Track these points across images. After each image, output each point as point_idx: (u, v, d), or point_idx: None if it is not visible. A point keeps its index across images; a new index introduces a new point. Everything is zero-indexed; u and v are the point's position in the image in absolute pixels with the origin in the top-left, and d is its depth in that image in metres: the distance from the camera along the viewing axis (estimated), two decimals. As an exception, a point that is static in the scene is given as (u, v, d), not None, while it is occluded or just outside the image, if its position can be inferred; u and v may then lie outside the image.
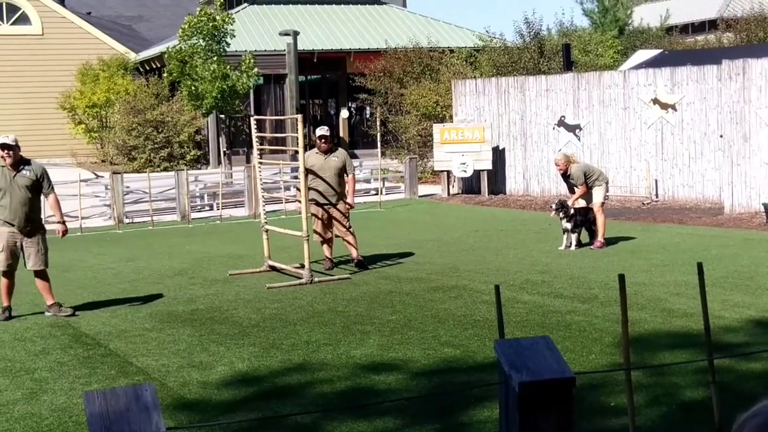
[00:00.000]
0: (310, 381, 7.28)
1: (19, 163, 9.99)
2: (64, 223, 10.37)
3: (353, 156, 32.57)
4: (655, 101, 20.26)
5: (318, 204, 12.43)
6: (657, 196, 20.17)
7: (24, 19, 37.77)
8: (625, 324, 4.70)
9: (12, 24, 37.63)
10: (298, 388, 7.12)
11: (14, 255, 10.01)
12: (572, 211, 13.67)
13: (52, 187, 10.25)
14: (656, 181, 20.28)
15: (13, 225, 9.92)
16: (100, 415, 3.07)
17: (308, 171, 12.31)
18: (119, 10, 51.70)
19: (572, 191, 14.03)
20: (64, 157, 36.69)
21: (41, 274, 10.12)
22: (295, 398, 6.88)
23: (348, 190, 12.50)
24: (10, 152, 9.89)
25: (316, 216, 12.48)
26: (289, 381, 7.31)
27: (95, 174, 29.70)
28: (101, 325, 9.56)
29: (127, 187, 21.24)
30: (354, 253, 12.52)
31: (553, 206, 13.96)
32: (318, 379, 7.32)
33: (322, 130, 12.51)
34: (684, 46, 35.42)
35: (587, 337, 8.24)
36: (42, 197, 10.29)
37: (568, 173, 13.88)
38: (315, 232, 12.52)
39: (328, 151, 12.42)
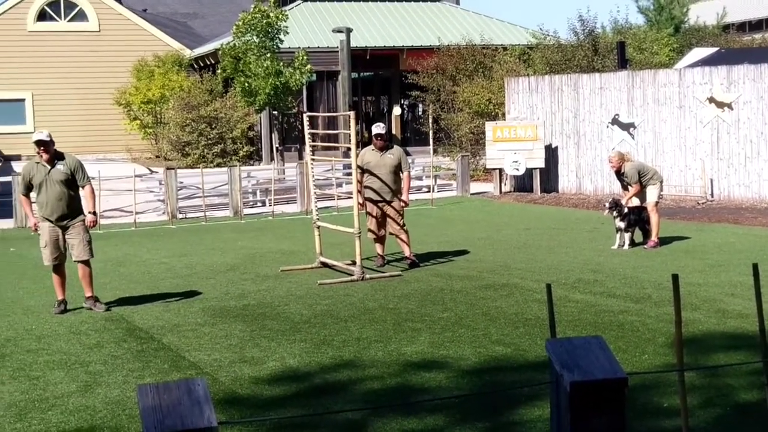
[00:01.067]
0: (361, 377, 7.29)
1: (54, 157, 10.12)
2: (95, 213, 10.38)
3: (406, 153, 32.58)
4: (711, 100, 19.97)
5: (372, 201, 12.43)
6: (712, 196, 19.89)
7: (81, 16, 38.34)
8: (679, 324, 4.63)
9: (69, 21, 38.21)
10: (349, 385, 7.14)
11: (58, 248, 10.16)
12: (626, 209, 13.53)
13: (88, 179, 10.32)
14: (711, 180, 20.00)
15: (51, 220, 10.08)
16: (153, 408, 3.10)
17: (363, 169, 12.32)
18: (175, 7, 52.26)
19: (626, 189, 13.89)
20: (119, 153, 37.22)
21: (84, 265, 10.24)
22: (345, 394, 6.90)
23: (403, 187, 12.47)
24: (45, 148, 10.03)
25: (371, 214, 12.47)
26: (340, 377, 7.33)
27: (150, 169, 30.06)
28: (154, 319, 9.67)
29: (181, 182, 21.46)
30: (406, 252, 12.50)
31: (607, 205, 13.83)
32: (368, 375, 7.34)
33: (378, 128, 12.46)
34: (741, 45, 34.89)
35: (640, 337, 8.16)
36: (80, 190, 10.34)
37: (622, 171, 13.75)
38: (369, 229, 12.52)
39: (383, 149, 12.41)
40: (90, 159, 36.10)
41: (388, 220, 12.43)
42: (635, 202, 13.67)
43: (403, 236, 12.44)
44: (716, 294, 9.98)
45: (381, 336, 8.55)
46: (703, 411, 6.21)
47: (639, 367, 7.22)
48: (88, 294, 10.31)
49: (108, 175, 21.38)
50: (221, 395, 6.92)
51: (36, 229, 10.22)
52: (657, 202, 13.77)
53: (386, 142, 12.55)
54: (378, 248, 12.70)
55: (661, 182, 14.03)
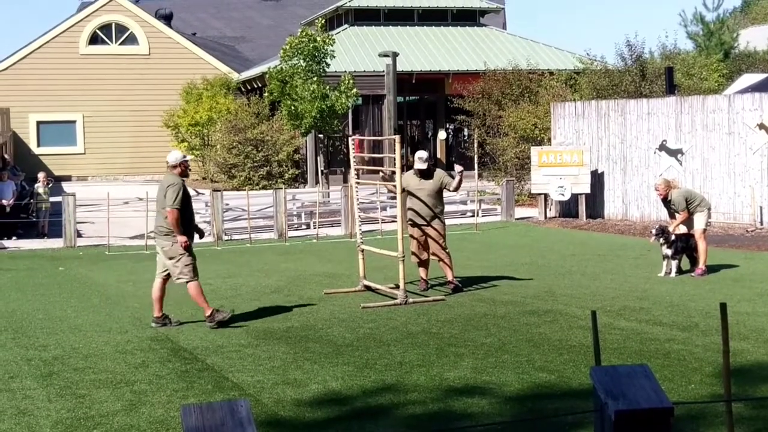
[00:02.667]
0: (403, 402, 7.27)
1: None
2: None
3: (450, 177, 32.52)
4: (761, 126, 19.75)
5: (414, 224, 12.45)
6: (762, 224, 19.62)
7: (132, 40, 38.95)
8: (727, 354, 4.57)
9: (120, 44, 38.84)
10: (391, 409, 7.12)
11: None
12: (673, 237, 13.39)
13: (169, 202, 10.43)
14: (761, 208, 19.73)
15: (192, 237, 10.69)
16: (196, 428, 3.13)
17: (405, 191, 12.37)
18: (223, 31, 52.94)
19: (673, 217, 13.75)
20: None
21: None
22: (387, 419, 6.88)
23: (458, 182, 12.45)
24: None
25: (413, 236, 12.49)
26: (382, 401, 7.32)
27: (196, 191, 30.31)
28: (199, 340, 9.74)
29: (227, 204, 21.63)
30: (449, 276, 12.46)
31: (654, 231, 13.70)
32: (410, 400, 7.31)
33: (420, 159, 12.54)
34: (792, 70, 34.45)
35: (686, 367, 8.05)
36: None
37: (669, 198, 13.62)
38: (412, 252, 12.52)
39: (424, 175, 12.44)
40: (138, 180, 36.59)
41: (430, 241, 12.43)
42: (682, 229, 13.52)
43: (446, 259, 12.41)
44: (765, 323, 9.82)
45: (423, 360, 8.53)
46: (750, 442, 6.11)
47: (685, 396, 7.12)
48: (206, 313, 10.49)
49: (155, 196, 21.60)
50: (264, 417, 6.93)
51: (187, 246, 10.41)
52: (705, 230, 13.61)
53: (427, 168, 12.49)
54: (421, 272, 12.68)
55: (709, 209, 13.87)
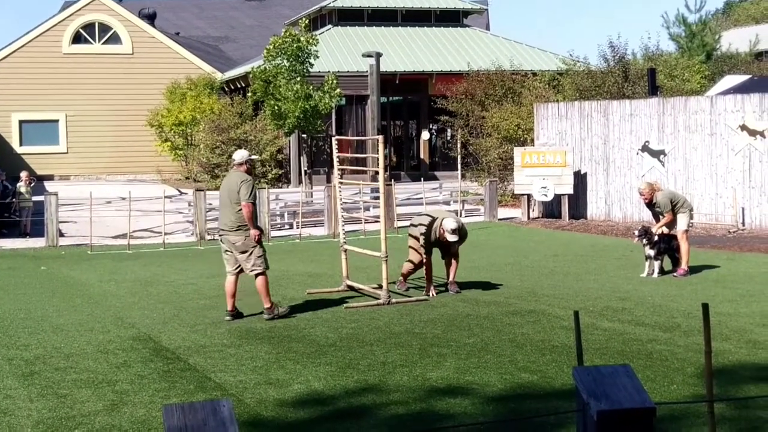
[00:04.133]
0: (385, 402, 7.27)
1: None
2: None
3: (433, 178, 32.59)
4: (743, 128, 19.85)
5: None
6: (743, 225, 19.72)
7: (115, 39, 38.78)
8: (709, 354, 4.58)
9: (104, 43, 38.66)
10: (373, 409, 7.11)
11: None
12: (656, 238, 13.44)
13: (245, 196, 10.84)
14: (743, 209, 19.84)
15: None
16: (179, 428, 3.11)
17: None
18: (206, 30, 52.78)
19: (657, 219, 13.79)
20: (149, 174, 37.51)
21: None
22: (369, 419, 6.87)
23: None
24: None
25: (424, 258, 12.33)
26: (364, 401, 7.31)
27: (179, 191, 30.26)
28: (181, 339, 9.70)
29: (210, 204, 21.57)
30: (453, 276, 12.43)
31: (636, 232, 13.75)
32: (393, 400, 7.31)
33: (450, 232, 12.13)
34: (773, 72, 34.65)
35: (669, 367, 8.07)
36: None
37: (654, 201, 13.66)
38: (422, 262, 12.33)
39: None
40: (121, 180, 36.45)
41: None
42: (663, 229, 13.58)
43: (455, 263, 12.39)
44: (747, 324, 9.87)
45: (406, 360, 8.53)
46: (732, 442, 6.13)
47: (667, 397, 7.15)
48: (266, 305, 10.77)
49: (138, 195, 21.54)
50: (246, 417, 6.91)
51: (260, 239, 10.78)
52: (687, 230, 13.67)
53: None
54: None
55: (691, 210, 13.93)
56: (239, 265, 10.80)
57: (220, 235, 11.04)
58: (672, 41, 38.64)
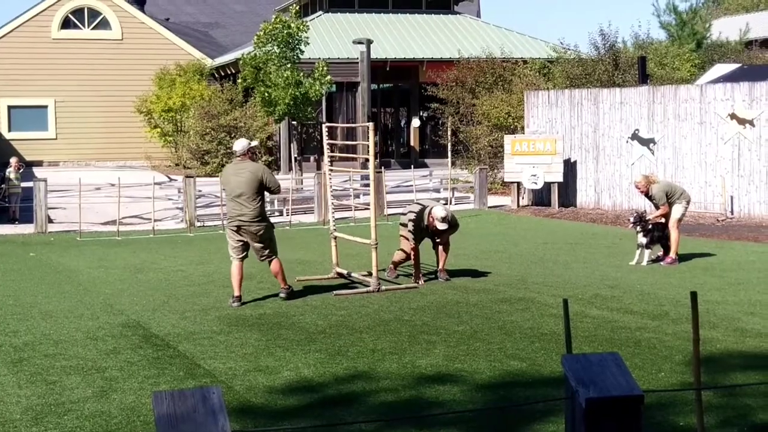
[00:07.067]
0: (375, 389, 7.28)
1: None
2: None
3: (423, 165, 32.60)
4: (733, 116, 19.89)
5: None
6: (732, 213, 19.79)
7: (104, 24, 38.60)
8: (697, 342, 4.60)
9: (93, 29, 38.48)
10: (362, 396, 7.13)
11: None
12: (650, 225, 13.45)
13: (276, 184, 11.28)
14: (732, 197, 19.90)
15: None
16: (168, 415, 3.11)
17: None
18: (197, 16, 52.59)
19: (657, 208, 13.80)
20: (139, 160, 37.41)
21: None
22: (358, 406, 6.89)
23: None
24: None
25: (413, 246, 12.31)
26: (354, 388, 7.32)
27: (169, 177, 30.19)
28: (171, 326, 9.70)
29: (199, 190, 21.54)
30: (443, 264, 12.44)
31: (631, 219, 13.73)
32: (382, 387, 7.33)
33: (441, 221, 12.23)
34: (763, 61, 34.71)
35: (657, 355, 8.11)
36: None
37: (650, 194, 13.69)
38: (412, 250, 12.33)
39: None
40: (110, 166, 36.34)
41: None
42: (662, 220, 13.62)
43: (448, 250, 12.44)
44: (735, 312, 9.91)
45: (396, 348, 8.54)
46: (719, 431, 6.17)
47: (655, 384, 7.18)
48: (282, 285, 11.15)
49: (127, 182, 21.48)
50: (236, 404, 6.92)
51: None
52: (679, 220, 13.70)
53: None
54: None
55: (688, 202, 13.93)
56: (246, 252, 11.02)
57: (236, 226, 10.90)
58: (662, 29, 38.68)
